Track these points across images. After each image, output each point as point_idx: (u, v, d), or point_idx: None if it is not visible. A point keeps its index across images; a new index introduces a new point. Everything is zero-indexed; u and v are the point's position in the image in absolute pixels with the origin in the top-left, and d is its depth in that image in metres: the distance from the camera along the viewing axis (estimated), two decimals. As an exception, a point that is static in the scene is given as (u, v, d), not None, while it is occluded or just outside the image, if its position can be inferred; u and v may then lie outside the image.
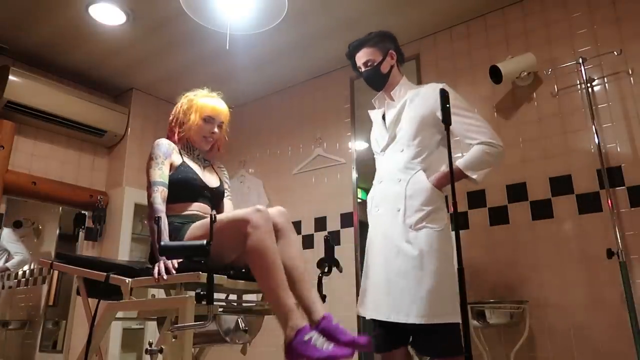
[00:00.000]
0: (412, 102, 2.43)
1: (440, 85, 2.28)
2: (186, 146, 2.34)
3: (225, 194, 2.41)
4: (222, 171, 2.51)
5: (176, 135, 2.30)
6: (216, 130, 2.31)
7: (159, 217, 1.90)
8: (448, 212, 2.36)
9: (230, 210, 2.37)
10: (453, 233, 1.99)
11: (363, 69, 2.49)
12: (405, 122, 2.40)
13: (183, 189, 2.18)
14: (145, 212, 4.35)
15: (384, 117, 2.53)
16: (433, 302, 2.07)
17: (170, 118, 2.36)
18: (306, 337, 1.61)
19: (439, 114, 2.21)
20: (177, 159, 2.23)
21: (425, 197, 2.23)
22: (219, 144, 2.42)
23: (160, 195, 2.06)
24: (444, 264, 2.15)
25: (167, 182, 2.13)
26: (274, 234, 1.89)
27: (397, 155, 2.37)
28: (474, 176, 2.28)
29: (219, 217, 1.81)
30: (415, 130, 2.33)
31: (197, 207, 2.20)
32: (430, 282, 2.10)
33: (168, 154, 2.19)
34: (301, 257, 1.98)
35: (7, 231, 4.79)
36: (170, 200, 2.14)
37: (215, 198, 2.31)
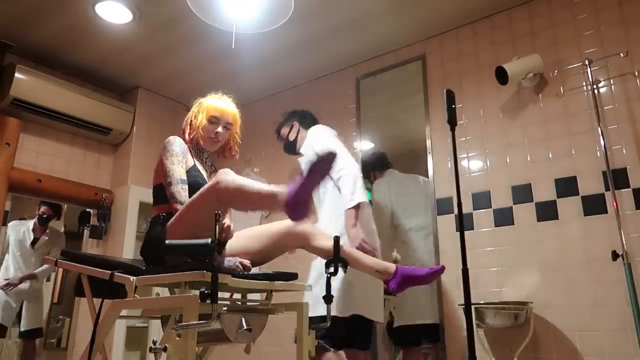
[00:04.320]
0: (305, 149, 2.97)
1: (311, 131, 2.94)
2: (196, 148, 2.32)
3: None
4: None
5: (187, 135, 2.29)
6: (220, 130, 2.28)
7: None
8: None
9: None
10: (458, 234, 1.99)
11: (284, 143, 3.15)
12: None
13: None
14: (150, 211, 4.41)
15: None
16: None
17: (185, 120, 2.36)
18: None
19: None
20: (189, 160, 2.21)
21: None
22: (230, 147, 2.41)
23: (186, 194, 2.02)
24: None
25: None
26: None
27: None
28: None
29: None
30: None
31: None
32: None
33: (184, 153, 2.18)
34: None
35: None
36: None
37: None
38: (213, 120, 2.27)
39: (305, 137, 2.98)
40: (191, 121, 2.30)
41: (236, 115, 2.38)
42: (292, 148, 3.12)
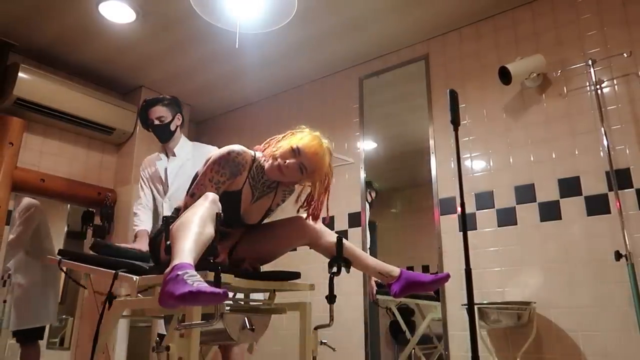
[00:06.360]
0: (190, 161, 2.99)
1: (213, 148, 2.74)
2: (258, 168, 2.07)
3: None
4: (282, 198, 2.19)
5: (262, 145, 2.11)
6: (291, 162, 1.96)
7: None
8: None
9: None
10: (461, 234, 1.98)
11: (155, 123, 2.99)
12: (182, 178, 2.93)
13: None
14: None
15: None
16: None
17: (275, 136, 2.13)
18: (180, 272, 1.41)
19: None
20: (239, 182, 2.00)
21: None
22: (313, 205, 2.06)
23: None
24: None
25: None
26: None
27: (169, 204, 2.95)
28: None
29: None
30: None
31: None
32: None
33: (235, 175, 1.97)
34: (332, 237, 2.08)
35: None
36: None
37: (246, 229, 2.15)
38: (294, 149, 1.98)
39: (181, 137, 3.10)
40: (276, 139, 2.09)
41: (322, 168, 2.02)
42: (166, 135, 3.04)
